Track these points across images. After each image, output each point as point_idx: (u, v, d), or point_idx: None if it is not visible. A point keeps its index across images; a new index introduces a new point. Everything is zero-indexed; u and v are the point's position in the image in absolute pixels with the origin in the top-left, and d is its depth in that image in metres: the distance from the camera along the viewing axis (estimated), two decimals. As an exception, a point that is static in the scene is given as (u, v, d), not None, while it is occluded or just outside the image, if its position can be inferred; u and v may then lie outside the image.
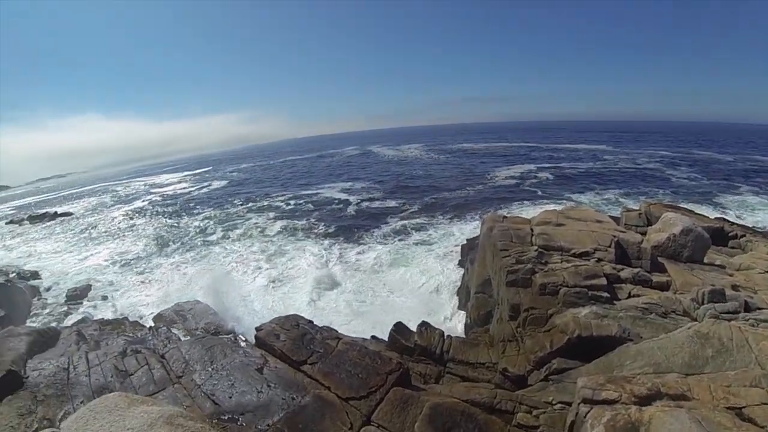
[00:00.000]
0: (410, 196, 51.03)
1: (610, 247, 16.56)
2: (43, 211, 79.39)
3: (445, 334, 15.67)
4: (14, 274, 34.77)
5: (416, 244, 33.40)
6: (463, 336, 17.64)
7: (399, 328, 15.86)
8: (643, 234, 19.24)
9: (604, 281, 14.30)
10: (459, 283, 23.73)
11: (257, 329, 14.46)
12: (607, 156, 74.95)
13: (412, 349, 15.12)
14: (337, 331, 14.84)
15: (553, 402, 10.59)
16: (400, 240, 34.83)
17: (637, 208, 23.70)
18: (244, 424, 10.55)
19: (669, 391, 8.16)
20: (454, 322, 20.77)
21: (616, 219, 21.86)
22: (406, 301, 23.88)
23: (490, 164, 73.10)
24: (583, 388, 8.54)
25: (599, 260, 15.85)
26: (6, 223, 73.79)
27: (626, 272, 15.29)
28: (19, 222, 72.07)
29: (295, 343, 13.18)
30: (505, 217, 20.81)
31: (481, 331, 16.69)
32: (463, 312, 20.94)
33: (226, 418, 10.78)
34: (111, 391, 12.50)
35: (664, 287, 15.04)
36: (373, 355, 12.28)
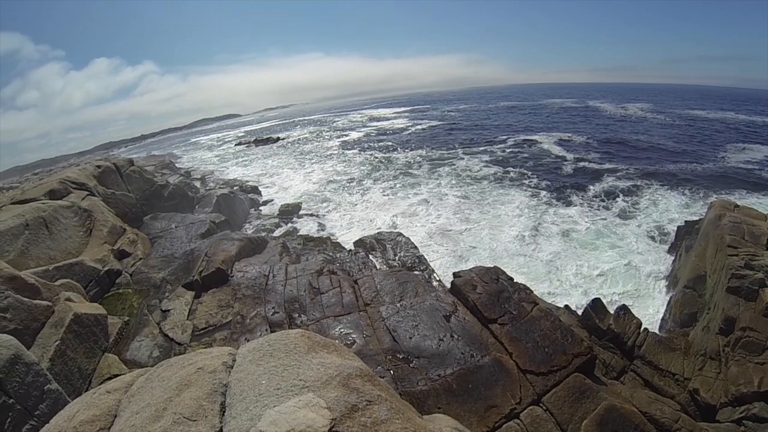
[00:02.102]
0: (627, 158, 46.07)
1: None
2: (267, 136, 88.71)
3: (643, 326, 14.10)
4: (237, 187, 38.93)
5: (622, 214, 30.20)
6: (657, 331, 15.78)
7: (596, 305, 14.56)
8: None
9: None
10: (666, 269, 21.39)
11: (455, 275, 14.08)
12: None
13: (604, 332, 13.86)
14: (533, 294, 13.84)
15: (739, 454, 9.01)
16: (605, 206, 31.68)
17: None
18: (415, 368, 10.48)
19: None
20: (649, 312, 18.72)
21: None
22: (601, 276, 22.08)
23: (725, 137, 61.99)
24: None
25: None
26: (235, 145, 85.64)
27: None
28: (247, 144, 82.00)
29: (490, 298, 12.54)
30: (737, 206, 17.78)
31: (680, 334, 14.83)
32: (663, 303, 18.88)
33: (400, 357, 10.80)
34: (301, 304, 13.25)
35: None
36: (565, 331, 11.29)
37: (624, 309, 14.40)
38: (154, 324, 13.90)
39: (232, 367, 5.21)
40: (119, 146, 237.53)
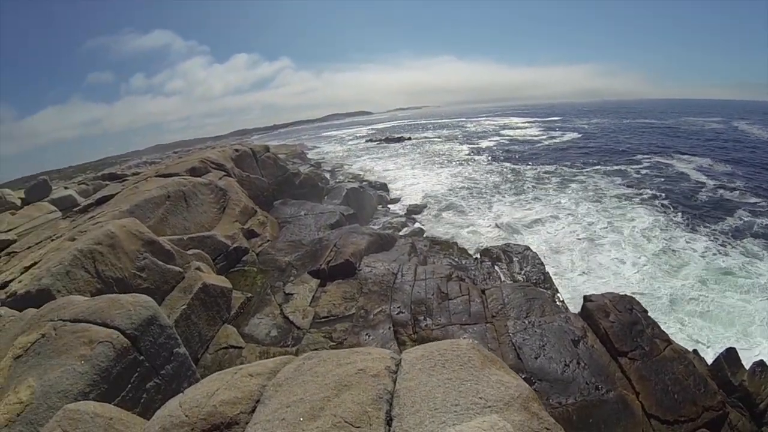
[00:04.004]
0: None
1: None
2: (398, 135, 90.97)
3: (782, 390, 12.94)
4: (366, 182, 39.96)
5: (758, 253, 27.34)
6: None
7: (730, 356, 13.00)
8: None
9: None
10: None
11: (586, 299, 13.41)
12: None
13: (734, 388, 12.76)
14: (666, 333, 13.04)
15: None
16: (737, 243, 28.83)
17: None
18: (537, 391, 10.05)
19: None
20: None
21: None
22: (733, 320, 19.97)
23: None
24: None
25: None
26: (366, 141, 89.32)
27: None
28: (377, 141, 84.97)
29: (623, 329, 11.87)
30: None
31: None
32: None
33: (522, 376, 10.39)
34: (428, 307, 13.40)
35: None
36: (699, 379, 10.63)
37: (762, 366, 13.04)
38: (276, 305, 14.67)
39: (395, 372, 5.12)
40: (252, 134, 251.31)
